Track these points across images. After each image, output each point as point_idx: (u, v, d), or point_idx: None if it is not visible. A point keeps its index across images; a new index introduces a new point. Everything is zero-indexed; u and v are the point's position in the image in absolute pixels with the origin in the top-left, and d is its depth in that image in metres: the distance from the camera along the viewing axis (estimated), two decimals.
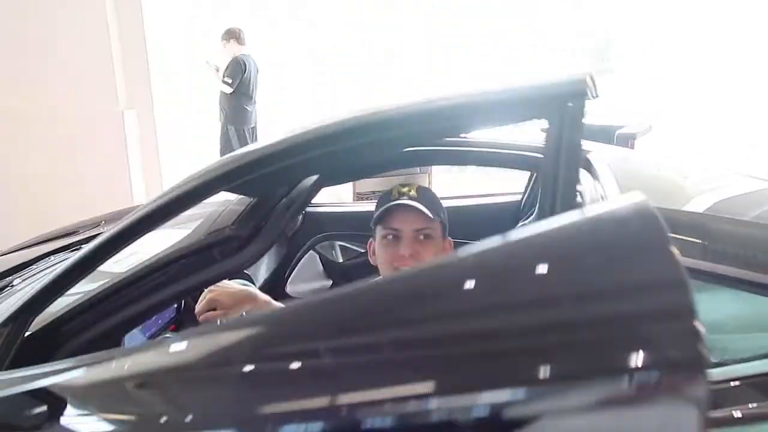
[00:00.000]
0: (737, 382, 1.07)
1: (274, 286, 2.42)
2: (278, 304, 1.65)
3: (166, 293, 1.21)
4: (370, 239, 1.46)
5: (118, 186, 3.51)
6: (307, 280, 2.55)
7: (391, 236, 1.38)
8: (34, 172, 3.58)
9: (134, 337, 1.57)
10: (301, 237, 2.49)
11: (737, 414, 1.04)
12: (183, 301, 1.78)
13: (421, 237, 1.36)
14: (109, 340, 1.34)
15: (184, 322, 1.78)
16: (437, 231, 1.39)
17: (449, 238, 1.46)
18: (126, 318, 1.23)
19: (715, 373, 1.08)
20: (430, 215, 1.37)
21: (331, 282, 2.56)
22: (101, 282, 1.33)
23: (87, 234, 2.34)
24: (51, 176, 3.56)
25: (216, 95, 3.79)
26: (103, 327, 1.24)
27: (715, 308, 1.21)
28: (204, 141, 3.71)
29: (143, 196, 3.45)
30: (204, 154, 3.69)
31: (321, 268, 2.58)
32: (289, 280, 2.49)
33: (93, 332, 1.23)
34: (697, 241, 1.15)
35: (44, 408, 0.93)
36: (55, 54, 3.52)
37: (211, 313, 1.44)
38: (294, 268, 2.49)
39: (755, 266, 1.11)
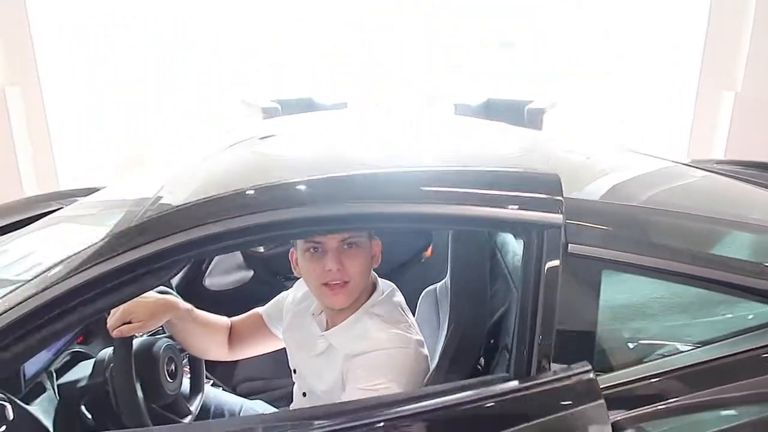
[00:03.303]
0: (664, 376, 1.11)
1: (192, 281, 2.28)
2: (201, 313, 1.54)
3: (75, 315, 1.07)
4: (291, 248, 1.36)
5: (3, 173, 3.15)
6: (227, 272, 2.43)
7: (313, 249, 1.29)
8: None
9: (36, 356, 1.40)
10: None
11: (663, 407, 1.07)
12: None
13: (346, 246, 1.28)
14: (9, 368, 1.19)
15: (92, 332, 1.62)
16: (363, 237, 1.31)
17: (377, 238, 1.39)
18: (28, 345, 1.08)
19: (641, 369, 1.12)
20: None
21: (251, 272, 2.45)
22: None
23: None
24: None
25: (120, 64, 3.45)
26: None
27: (626, 294, 1.24)
28: (107, 120, 3.39)
29: (34, 186, 3.12)
30: (106, 135, 3.39)
31: (241, 259, 2.46)
32: (207, 274, 2.36)
33: None
34: (604, 228, 1.17)
35: None
36: None
37: (126, 327, 1.31)
38: (212, 261, 2.36)
39: (660, 253, 1.14)
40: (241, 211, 1.09)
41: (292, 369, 1.50)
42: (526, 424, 1.05)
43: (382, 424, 1.07)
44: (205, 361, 1.65)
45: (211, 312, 1.57)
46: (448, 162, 1.32)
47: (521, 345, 1.09)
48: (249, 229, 1.09)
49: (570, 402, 1.06)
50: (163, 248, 1.09)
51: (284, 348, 1.54)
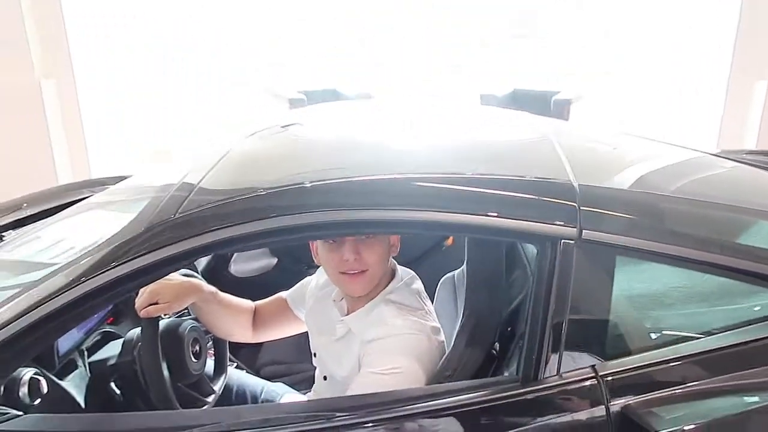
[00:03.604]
0: (682, 361, 1.11)
1: (218, 268, 2.34)
2: (225, 295, 1.59)
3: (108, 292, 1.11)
4: None
5: (39, 164, 3.26)
6: (251, 259, 2.48)
7: (332, 240, 1.32)
8: None
9: (68, 335, 1.46)
10: None
11: (680, 393, 1.07)
12: None
13: (364, 236, 1.31)
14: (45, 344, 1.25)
15: (122, 313, 1.68)
16: None
17: None
18: (64, 321, 1.13)
19: (660, 353, 1.12)
20: None
21: (276, 260, 2.50)
22: (27, 278, 1.22)
23: (7, 220, 2.15)
24: None
25: (150, 60, 3.53)
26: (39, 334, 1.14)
27: (650, 283, 1.24)
28: (137, 113, 3.47)
29: (68, 174, 3.22)
30: (137, 128, 3.47)
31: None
32: (232, 260, 2.41)
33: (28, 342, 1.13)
34: (619, 214, 1.17)
35: None
36: None
37: (153, 307, 1.36)
38: None
39: (675, 240, 1.14)
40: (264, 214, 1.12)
41: (312, 353, 1.54)
42: (528, 427, 1.06)
43: (387, 421, 1.10)
44: (230, 344, 1.71)
45: None
46: (465, 167, 1.32)
47: (530, 350, 1.10)
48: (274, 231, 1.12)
49: (573, 408, 1.07)
50: (196, 246, 1.12)
51: (307, 332, 1.58)
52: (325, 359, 1.48)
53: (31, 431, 1.11)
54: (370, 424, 1.09)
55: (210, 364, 1.66)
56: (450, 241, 2.39)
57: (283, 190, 1.18)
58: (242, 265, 2.44)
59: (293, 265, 2.45)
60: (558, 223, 1.12)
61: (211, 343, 1.66)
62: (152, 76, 3.58)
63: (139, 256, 1.11)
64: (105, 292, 1.11)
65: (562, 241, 1.11)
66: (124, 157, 3.69)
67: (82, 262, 1.15)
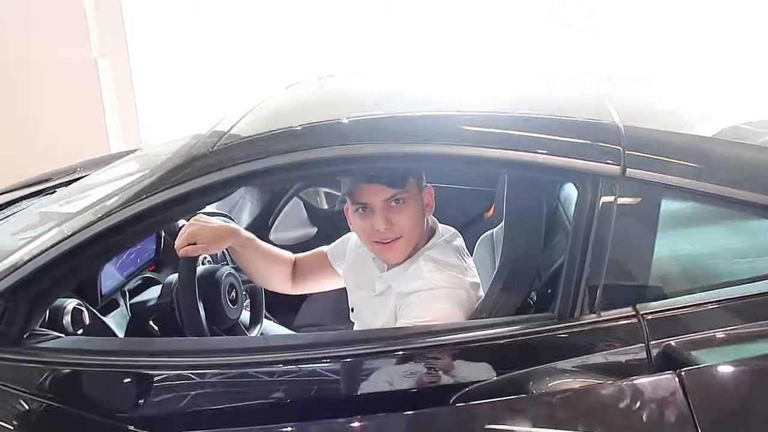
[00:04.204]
0: (726, 304, 1.05)
1: (257, 234, 2.36)
2: (264, 244, 1.60)
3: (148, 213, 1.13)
4: (346, 205, 1.40)
5: (93, 139, 3.39)
6: (292, 228, 2.50)
7: (362, 209, 1.31)
8: (2, 124, 3.44)
9: (112, 275, 1.51)
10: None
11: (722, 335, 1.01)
12: (162, 242, 1.72)
13: (393, 203, 1.29)
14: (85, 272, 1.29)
15: (164, 262, 1.72)
16: (410, 191, 1.31)
17: (428, 186, 1.38)
18: (102, 248, 1.16)
19: (704, 296, 1.07)
20: (398, 184, 1.28)
21: (315, 229, 2.52)
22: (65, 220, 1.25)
23: (60, 181, 2.24)
24: (20, 126, 3.43)
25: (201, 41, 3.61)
26: (78, 260, 1.17)
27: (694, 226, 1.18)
28: (186, 91, 3.57)
29: (121, 149, 3.33)
30: (186, 106, 3.56)
31: (305, 215, 2.53)
32: (273, 228, 2.44)
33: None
34: (675, 155, 1.12)
35: None
36: None
37: (191, 247, 1.38)
38: (278, 216, 2.44)
39: (732, 183, 1.08)
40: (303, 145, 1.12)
41: (350, 308, 1.54)
42: (564, 362, 1.03)
43: (421, 351, 1.08)
44: (267, 306, 1.73)
45: None
46: (509, 107, 1.31)
47: (568, 286, 1.07)
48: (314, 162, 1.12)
49: (611, 346, 1.03)
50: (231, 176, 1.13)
51: (345, 299, 1.58)
52: (362, 314, 1.48)
53: (71, 348, 1.14)
54: (401, 353, 1.08)
55: (246, 315, 1.68)
56: (491, 212, 2.35)
57: (321, 124, 1.18)
58: (282, 233, 2.47)
59: (333, 234, 2.46)
60: (601, 160, 1.09)
61: (248, 300, 1.69)
62: (204, 57, 3.66)
63: (176, 185, 1.12)
64: (141, 221, 1.13)
65: (605, 178, 1.07)
66: (174, 132, 3.79)
67: (121, 194, 1.18)
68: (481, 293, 1.34)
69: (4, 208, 1.97)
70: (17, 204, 2.01)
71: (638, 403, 0.91)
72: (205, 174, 1.12)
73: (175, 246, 1.40)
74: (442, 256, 1.35)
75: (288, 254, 1.65)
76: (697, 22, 3.83)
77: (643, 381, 0.94)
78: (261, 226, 2.39)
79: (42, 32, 3.41)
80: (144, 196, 1.12)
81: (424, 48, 3.64)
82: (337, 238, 2.39)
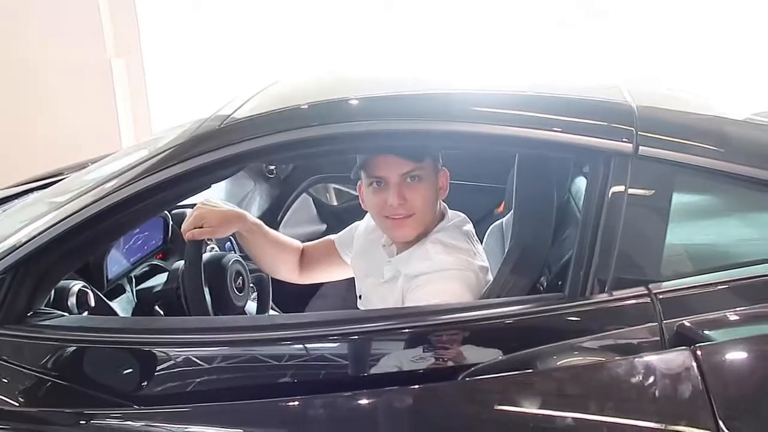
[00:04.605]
0: (740, 284, 1.02)
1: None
2: (272, 231, 1.59)
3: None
4: (359, 181, 1.38)
5: (106, 138, 3.42)
6: (301, 224, 2.49)
7: (376, 183, 1.30)
8: (17, 122, 3.48)
9: (118, 261, 1.50)
10: (294, 179, 2.42)
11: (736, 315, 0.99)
12: (170, 230, 1.71)
13: (409, 180, 1.28)
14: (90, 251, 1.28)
15: (171, 250, 1.72)
16: (427, 169, 1.30)
17: (444, 169, 1.37)
18: (110, 226, 1.16)
19: (718, 276, 1.04)
20: (416, 157, 1.27)
21: (325, 226, 2.51)
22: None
23: (72, 172, 2.25)
24: (35, 126, 3.46)
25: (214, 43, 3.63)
26: (83, 238, 1.16)
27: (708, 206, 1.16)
28: (198, 91, 3.59)
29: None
30: (198, 106, 3.59)
31: (314, 211, 2.52)
32: (282, 224, 2.43)
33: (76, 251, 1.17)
34: (689, 134, 1.10)
35: None
36: None
37: (197, 230, 1.37)
38: (287, 212, 2.43)
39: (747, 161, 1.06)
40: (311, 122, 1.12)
41: (358, 295, 1.52)
42: (574, 341, 1.00)
43: (430, 329, 1.06)
44: (275, 300, 1.72)
45: None
46: (523, 87, 1.30)
47: (578, 266, 1.04)
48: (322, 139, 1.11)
49: (623, 324, 1.00)
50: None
51: (354, 294, 1.57)
52: (371, 301, 1.46)
53: (75, 326, 1.13)
54: (409, 331, 1.06)
55: (252, 306, 1.67)
56: (501, 208, 2.33)
57: (329, 102, 1.17)
58: (291, 229, 2.45)
59: (340, 229, 2.45)
60: (613, 138, 1.06)
61: (255, 293, 1.67)
62: (216, 57, 3.68)
63: (183, 162, 1.12)
64: (147, 198, 1.13)
65: (618, 156, 1.05)
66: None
67: (127, 172, 1.17)
68: (490, 278, 1.32)
69: (13, 200, 1.99)
70: (27, 195, 2.02)
71: (651, 379, 0.88)
72: (212, 150, 1.11)
73: (182, 228, 1.39)
74: (451, 239, 1.33)
75: (296, 242, 1.64)
76: (702, 21, 3.80)
77: (656, 357, 0.91)
78: (270, 222, 2.36)
79: (57, 33, 3.46)
80: (150, 173, 1.11)
81: (425, 48, 3.64)
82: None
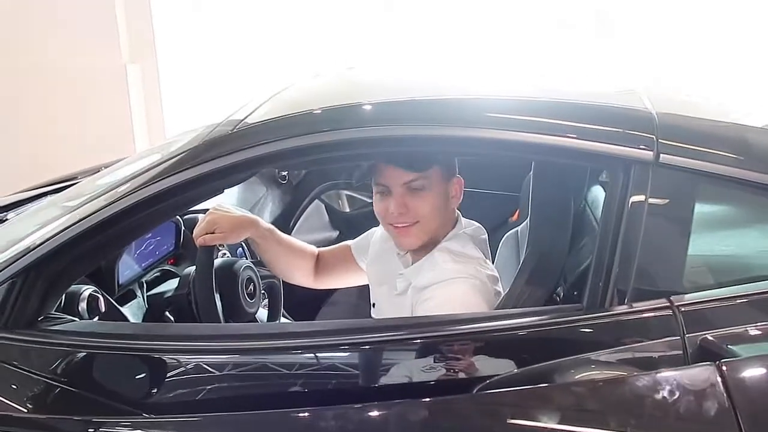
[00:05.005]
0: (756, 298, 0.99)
1: None
2: (286, 236, 1.58)
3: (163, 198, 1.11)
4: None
5: (120, 143, 3.44)
6: (313, 231, 2.48)
7: (381, 190, 1.30)
8: (33, 127, 3.51)
9: (129, 266, 1.50)
10: (306, 185, 2.41)
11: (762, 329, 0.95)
12: (182, 236, 1.70)
13: (412, 188, 1.26)
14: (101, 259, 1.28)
15: (182, 256, 1.71)
16: (433, 178, 1.28)
17: (458, 177, 1.35)
18: (121, 230, 1.15)
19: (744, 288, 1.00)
20: (418, 167, 1.25)
21: (337, 233, 2.49)
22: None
23: (85, 177, 2.26)
24: (50, 131, 3.49)
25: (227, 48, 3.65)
26: (94, 242, 1.15)
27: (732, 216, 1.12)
28: (213, 98, 3.61)
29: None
30: (211, 112, 3.61)
31: (327, 218, 2.50)
32: (294, 230, 2.42)
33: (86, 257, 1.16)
34: (711, 143, 1.07)
35: None
36: (55, 4, 3.44)
37: (209, 235, 1.36)
38: (299, 218, 2.42)
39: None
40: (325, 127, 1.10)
41: (372, 303, 1.51)
42: (593, 354, 0.97)
43: (444, 340, 1.04)
44: (286, 307, 1.70)
45: None
46: (540, 93, 1.28)
47: (597, 276, 1.02)
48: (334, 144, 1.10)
49: (643, 337, 0.97)
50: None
51: (365, 302, 1.55)
52: (384, 311, 1.44)
53: (85, 331, 1.12)
54: (423, 342, 1.04)
55: (263, 313, 1.65)
56: (515, 216, 2.30)
57: (341, 107, 1.16)
58: (303, 236, 2.43)
59: (354, 238, 2.44)
60: (633, 145, 1.04)
61: (266, 299, 1.66)
62: (231, 63, 3.70)
63: (195, 166, 1.11)
64: (159, 202, 1.12)
65: (638, 164, 1.03)
66: None
67: (139, 176, 1.16)
68: (500, 287, 1.30)
69: (27, 203, 1.99)
70: (41, 199, 2.03)
71: (674, 396, 0.85)
72: (224, 155, 1.10)
73: (194, 233, 1.38)
74: (460, 247, 1.31)
75: (311, 248, 1.63)
76: (701, 21, 3.75)
77: (679, 372, 0.88)
78: (282, 228, 2.34)
79: (73, 39, 3.49)
80: (162, 177, 1.10)
81: (425, 48, 3.63)
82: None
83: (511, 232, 1.59)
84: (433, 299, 1.22)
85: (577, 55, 3.80)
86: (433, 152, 1.27)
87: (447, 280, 1.24)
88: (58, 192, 2.10)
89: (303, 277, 1.59)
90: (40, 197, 2.05)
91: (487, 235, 1.41)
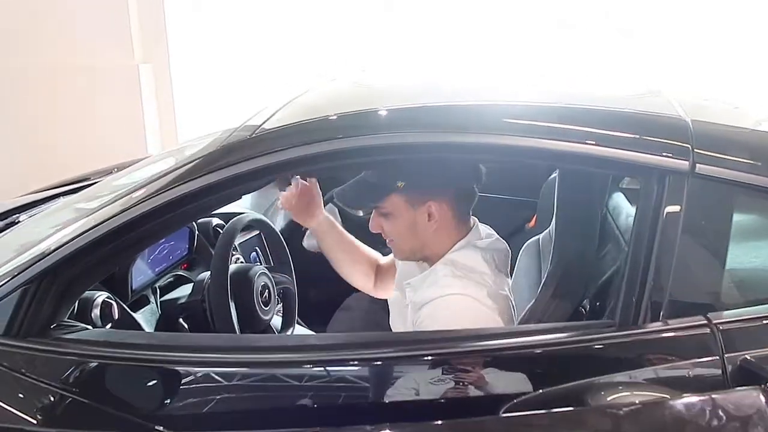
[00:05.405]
0: None
1: (291, 239, 2.32)
2: (348, 235, 1.60)
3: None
4: None
5: (132, 143, 3.42)
6: None
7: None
8: (45, 127, 3.51)
9: (143, 271, 1.47)
10: (319, 189, 2.37)
11: None
12: (196, 240, 1.68)
13: (384, 210, 1.27)
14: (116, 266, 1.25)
15: (196, 261, 1.68)
16: (393, 206, 1.25)
17: (436, 201, 1.25)
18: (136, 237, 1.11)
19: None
20: (368, 203, 1.30)
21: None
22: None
23: (98, 178, 2.24)
24: (62, 130, 3.48)
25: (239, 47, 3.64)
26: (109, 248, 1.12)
27: None
28: (225, 98, 3.59)
29: (159, 151, 3.36)
30: (223, 111, 3.59)
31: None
32: (307, 233, 2.39)
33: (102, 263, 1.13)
34: (750, 153, 1.03)
35: None
36: (67, 4, 3.43)
37: (286, 197, 1.46)
38: None
39: None
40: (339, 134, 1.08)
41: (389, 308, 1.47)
42: (624, 374, 0.93)
43: (463, 356, 1.00)
44: (300, 312, 1.68)
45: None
46: (571, 100, 1.23)
47: (630, 291, 0.97)
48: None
49: (679, 357, 0.93)
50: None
51: (377, 309, 1.52)
52: (394, 320, 1.41)
53: (99, 340, 1.09)
54: (443, 357, 1.00)
55: (278, 320, 1.63)
56: (533, 222, 2.26)
57: (358, 113, 1.13)
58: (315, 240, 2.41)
59: (368, 242, 2.40)
60: (668, 155, 1.00)
61: (281, 304, 1.63)
62: (243, 63, 3.68)
63: (212, 172, 1.08)
64: (175, 209, 1.09)
65: (673, 174, 0.99)
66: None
67: (154, 182, 1.13)
68: (502, 304, 1.23)
69: (40, 205, 1.97)
70: (54, 200, 2.01)
71: (716, 421, 0.81)
72: (241, 161, 1.07)
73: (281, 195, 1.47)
74: (465, 259, 1.25)
75: (374, 254, 1.63)
76: (702, 21, 3.69)
77: (721, 396, 0.84)
78: (295, 231, 2.34)
79: (86, 39, 3.48)
80: (180, 183, 1.07)
81: (425, 48, 3.60)
82: (371, 246, 2.34)
83: (531, 240, 1.55)
84: (425, 321, 1.19)
85: (583, 55, 3.75)
86: (388, 184, 1.24)
87: (444, 297, 1.19)
88: (71, 193, 2.09)
89: (362, 281, 1.61)
90: (53, 198, 2.03)
91: (507, 247, 1.36)
